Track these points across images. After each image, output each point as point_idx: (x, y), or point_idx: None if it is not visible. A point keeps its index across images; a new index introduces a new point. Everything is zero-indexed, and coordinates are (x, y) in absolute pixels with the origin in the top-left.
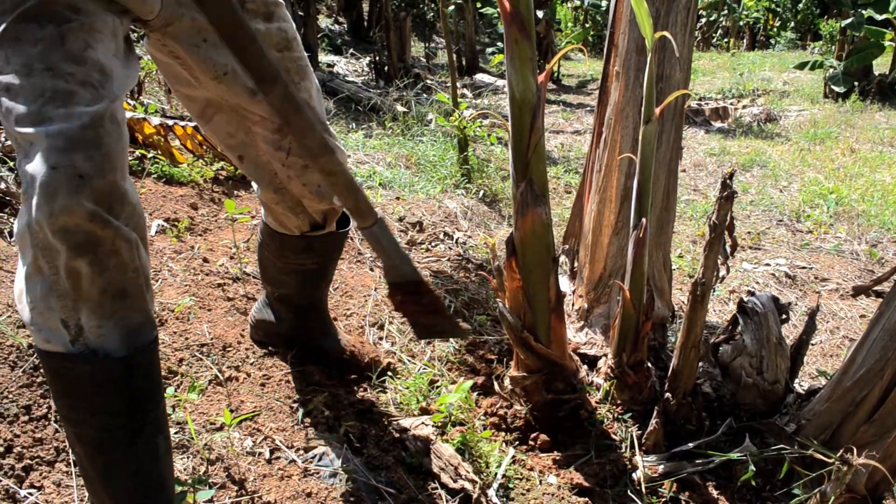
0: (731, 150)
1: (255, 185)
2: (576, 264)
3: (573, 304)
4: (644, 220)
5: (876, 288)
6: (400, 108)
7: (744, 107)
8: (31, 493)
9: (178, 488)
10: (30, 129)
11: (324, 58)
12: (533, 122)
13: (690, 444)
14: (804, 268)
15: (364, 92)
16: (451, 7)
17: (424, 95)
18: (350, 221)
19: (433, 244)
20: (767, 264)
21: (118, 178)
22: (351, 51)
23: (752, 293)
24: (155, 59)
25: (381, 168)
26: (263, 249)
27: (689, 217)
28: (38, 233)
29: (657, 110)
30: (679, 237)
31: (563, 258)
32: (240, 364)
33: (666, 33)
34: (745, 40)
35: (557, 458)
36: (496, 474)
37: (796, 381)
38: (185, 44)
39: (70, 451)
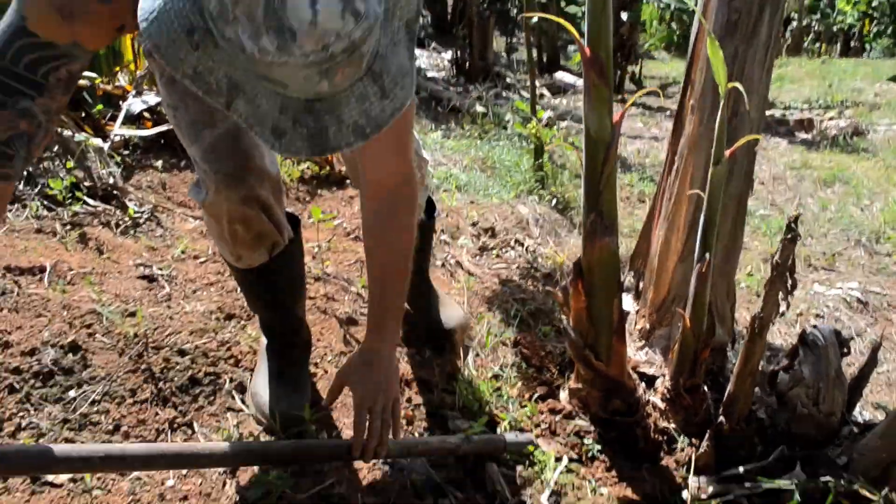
0: (814, 164)
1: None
2: (641, 285)
3: (635, 323)
4: (708, 255)
5: None
6: (479, 109)
7: (830, 118)
8: None
9: None
10: (190, 147)
11: None
12: (606, 157)
13: (741, 469)
14: (878, 293)
15: (444, 92)
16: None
17: (504, 94)
18: (436, 209)
19: (503, 250)
20: (840, 287)
21: (256, 160)
22: (433, 45)
23: (815, 327)
24: None
25: (458, 171)
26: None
27: (764, 233)
28: (209, 206)
29: (727, 152)
30: (751, 254)
31: (629, 277)
32: (318, 361)
33: (739, 85)
34: (837, 46)
35: (610, 470)
36: (549, 480)
37: (857, 411)
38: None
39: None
